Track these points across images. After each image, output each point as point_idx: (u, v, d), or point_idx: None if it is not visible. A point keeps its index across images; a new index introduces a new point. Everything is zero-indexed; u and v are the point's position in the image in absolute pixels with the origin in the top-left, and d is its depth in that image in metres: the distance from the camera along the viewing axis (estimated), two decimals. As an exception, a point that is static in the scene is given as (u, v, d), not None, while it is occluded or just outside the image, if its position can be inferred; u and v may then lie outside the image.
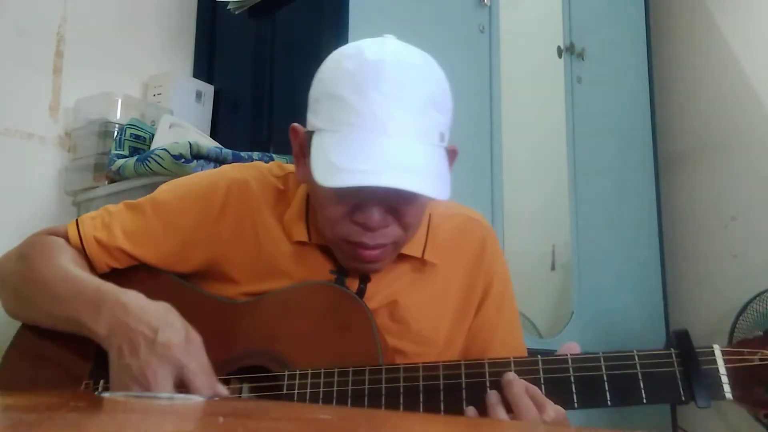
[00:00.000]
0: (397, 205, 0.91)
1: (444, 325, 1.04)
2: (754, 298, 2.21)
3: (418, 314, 1.02)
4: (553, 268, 2.29)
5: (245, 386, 0.94)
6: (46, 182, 1.82)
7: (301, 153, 0.98)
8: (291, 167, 1.07)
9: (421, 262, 1.03)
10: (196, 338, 0.89)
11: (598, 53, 2.42)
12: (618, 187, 2.44)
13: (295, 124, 1.00)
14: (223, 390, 0.88)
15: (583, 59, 2.35)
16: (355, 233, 0.92)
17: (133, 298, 0.91)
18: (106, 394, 0.84)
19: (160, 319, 0.87)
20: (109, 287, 0.94)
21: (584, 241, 2.24)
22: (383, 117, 0.85)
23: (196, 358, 0.86)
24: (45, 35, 1.85)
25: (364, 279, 1.00)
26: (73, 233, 1.03)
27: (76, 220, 1.05)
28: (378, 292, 1.01)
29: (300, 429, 0.51)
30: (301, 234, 1.01)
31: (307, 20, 1.81)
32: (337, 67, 0.91)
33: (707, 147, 2.63)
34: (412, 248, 1.02)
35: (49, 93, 1.84)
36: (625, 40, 2.62)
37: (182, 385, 0.85)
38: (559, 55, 2.31)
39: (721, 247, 2.50)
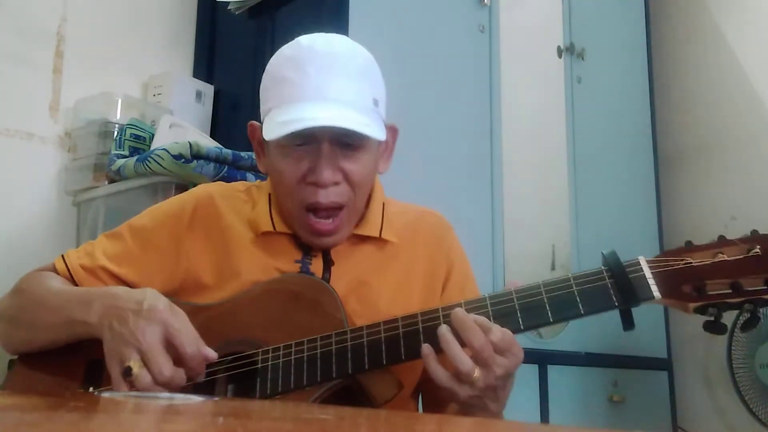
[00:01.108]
0: (344, 161, 1.01)
1: (412, 307, 1.06)
2: (754, 298, 2.21)
3: (386, 297, 1.07)
4: (553, 268, 2.30)
5: (225, 367, 0.99)
6: (46, 182, 1.82)
7: (260, 146, 1.09)
8: (251, 183, 1.18)
9: (381, 242, 1.10)
10: (180, 311, 0.95)
11: (598, 53, 2.42)
12: (618, 187, 2.44)
13: (253, 122, 1.10)
14: (210, 352, 0.94)
15: (583, 59, 2.35)
16: (310, 194, 1.01)
17: (120, 288, 1.00)
18: (106, 394, 0.84)
19: (145, 294, 0.95)
20: (98, 288, 1.05)
21: (584, 241, 2.24)
22: (320, 85, 0.98)
23: (180, 320, 0.93)
24: (45, 35, 1.85)
25: (328, 266, 1.07)
26: (60, 266, 1.11)
27: (62, 255, 1.13)
28: (343, 277, 1.06)
29: (300, 429, 0.51)
30: (266, 224, 1.08)
31: (307, 20, 1.81)
32: (277, 58, 1.04)
33: (707, 147, 2.63)
34: (370, 229, 1.10)
35: (49, 93, 1.84)
36: (625, 40, 2.62)
37: (169, 345, 0.90)
38: (559, 55, 2.31)
39: (721, 247, 2.49)
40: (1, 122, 1.75)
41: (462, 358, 0.87)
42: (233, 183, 1.18)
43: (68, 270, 1.10)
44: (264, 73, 1.05)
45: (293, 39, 1.04)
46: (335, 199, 1.01)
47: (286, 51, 1.04)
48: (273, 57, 1.05)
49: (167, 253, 1.09)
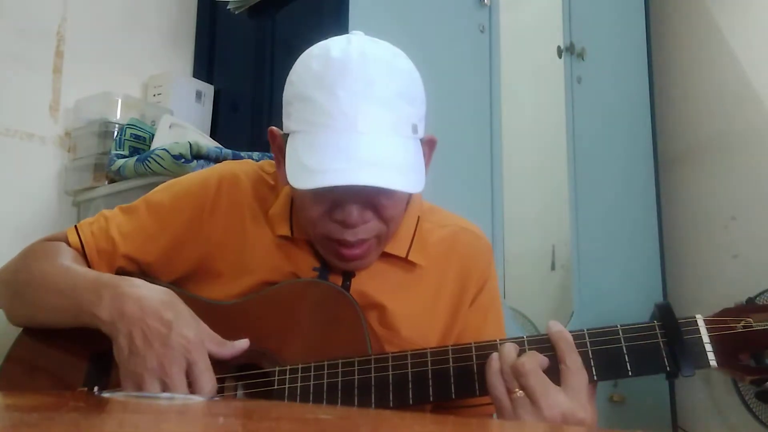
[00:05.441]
0: (374, 200, 0.91)
1: (434, 332, 1.02)
2: (754, 298, 2.21)
3: (408, 321, 1.01)
4: (553, 268, 2.30)
5: (238, 384, 0.95)
6: (46, 182, 1.82)
7: (281, 155, 0.99)
8: None
9: (407, 264, 1.03)
10: (202, 324, 0.91)
11: (598, 53, 2.42)
12: (618, 187, 2.44)
13: (273, 127, 1.01)
14: (241, 344, 0.92)
15: (583, 59, 2.35)
16: (336, 231, 0.93)
17: (134, 284, 0.93)
18: (106, 394, 0.84)
19: (170, 310, 0.89)
20: (109, 275, 0.97)
21: (584, 241, 2.24)
22: (352, 114, 0.86)
23: (203, 353, 0.88)
24: (45, 35, 1.85)
25: (348, 276, 1.00)
26: (73, 238, 1.05)
27: (75, 226, 1.07)
28: (361, 290, 1.00)
29: (300, 429, 0.51)
30: (284, 229, 1.01)
31: (307, 20, 1.81)
32: (304, 69, 0.93)
33: (707, 147, 2.63)
34: (397, 248, 1.02)
35: (49, 93, 1.84)
36: (625, 40, 2.62)
37: (188, 378, 0.87)
38: (559, 55, 2.31)
39: (721, 247, 2.50)
40: (1, 122, 1.75)
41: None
42: (261, 163, 1.09)
43: (81, 243, 1.03)
44: (288, 81, 0.95)
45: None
46: (364, 236, 0.93)
47: (314, 64, 0.91)
48: (299, 63, 0.95)
49: (186, 236, 1.03)
